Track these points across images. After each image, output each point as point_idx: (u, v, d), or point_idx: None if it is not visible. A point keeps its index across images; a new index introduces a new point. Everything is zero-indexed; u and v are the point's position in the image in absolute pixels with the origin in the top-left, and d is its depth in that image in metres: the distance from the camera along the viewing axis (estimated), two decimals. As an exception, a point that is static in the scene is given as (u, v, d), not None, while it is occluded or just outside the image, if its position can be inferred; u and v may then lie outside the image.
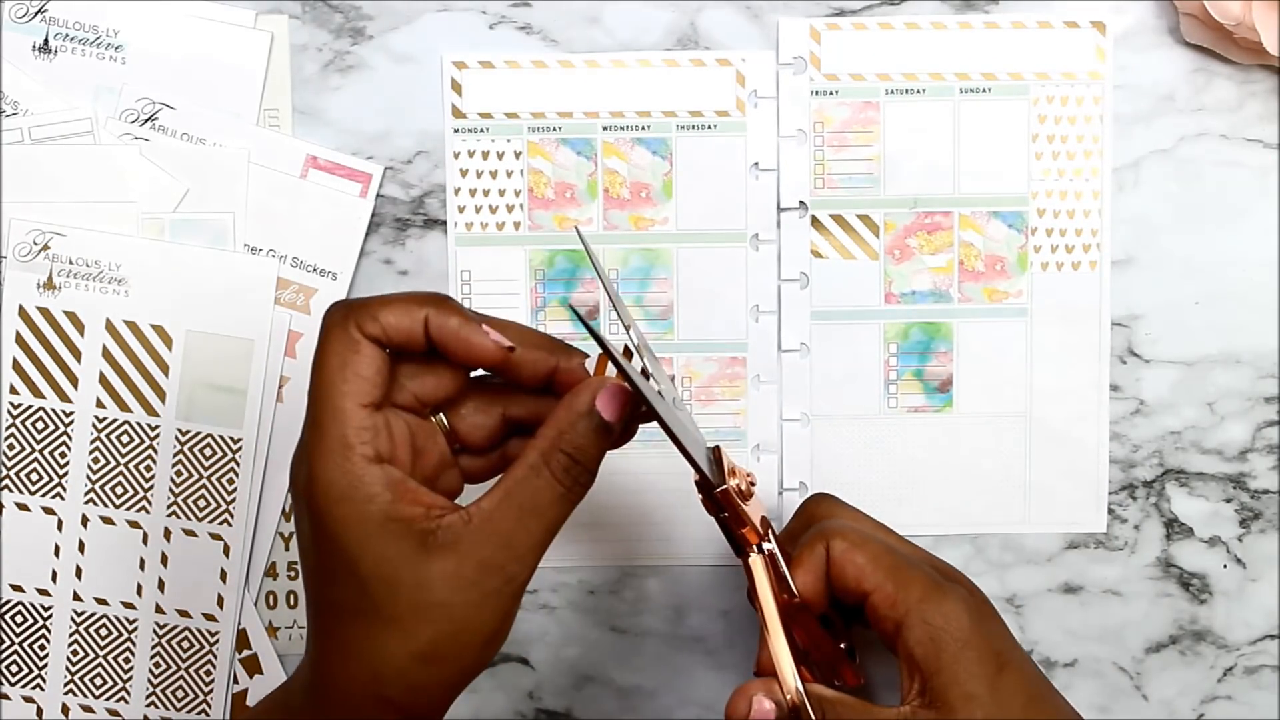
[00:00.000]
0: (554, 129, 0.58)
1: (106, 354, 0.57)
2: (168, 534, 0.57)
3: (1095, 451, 0.59)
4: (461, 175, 0.58)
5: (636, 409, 0.44)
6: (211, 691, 0.58)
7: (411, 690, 0.42)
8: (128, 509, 0.57)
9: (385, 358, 0.43)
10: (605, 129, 0.58)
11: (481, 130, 0.58)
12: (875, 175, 0.58)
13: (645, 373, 0.46)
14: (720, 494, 0.45)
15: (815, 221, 0.58)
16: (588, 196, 0.58)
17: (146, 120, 0.57)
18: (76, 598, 0.57)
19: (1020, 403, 0.59)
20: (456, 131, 0.58)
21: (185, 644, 0.58)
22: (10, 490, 0.57)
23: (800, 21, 0.58)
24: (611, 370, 0.45)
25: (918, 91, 0.58)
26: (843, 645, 0.50)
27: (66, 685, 0.57)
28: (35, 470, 0.57)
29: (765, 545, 0.47)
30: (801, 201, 0.58)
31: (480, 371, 0.46)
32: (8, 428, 0.57)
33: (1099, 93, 0.58)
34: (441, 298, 0.44)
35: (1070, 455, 0.59)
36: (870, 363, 0.59)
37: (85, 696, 0.58)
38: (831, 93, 0.58)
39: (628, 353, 0.46)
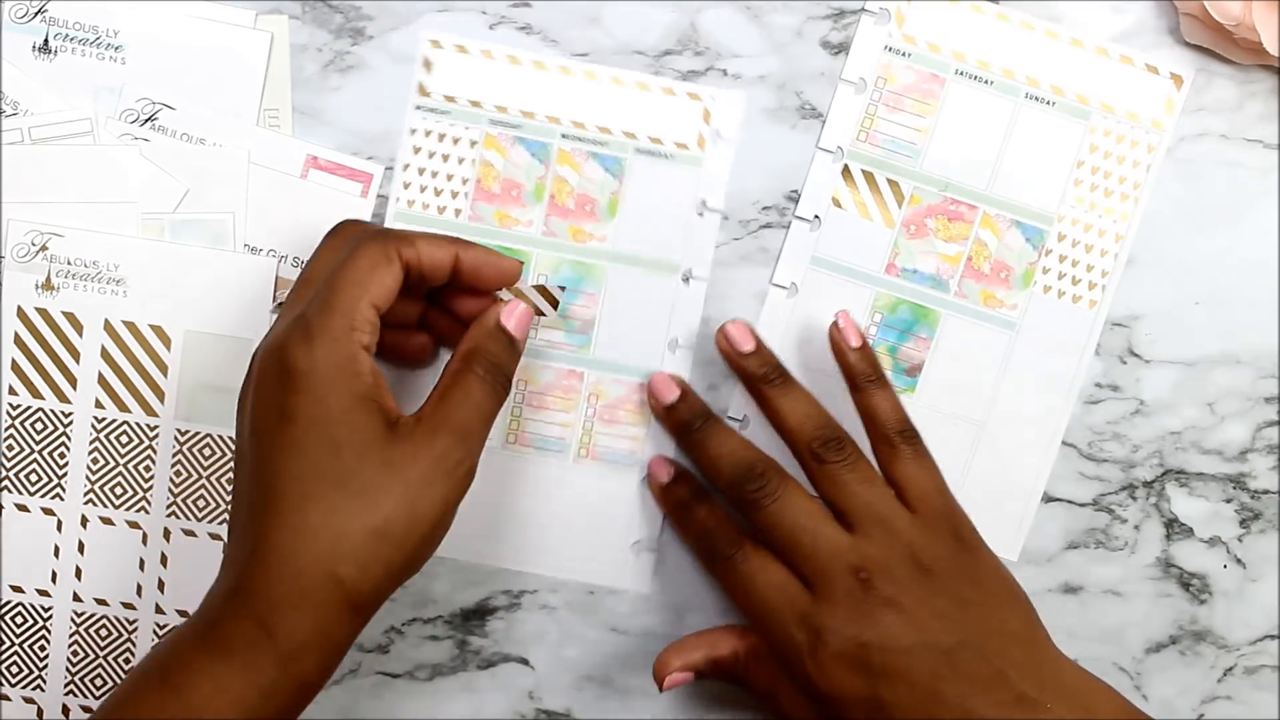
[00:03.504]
0: (514, 125, 0.58)
1: (105, 354, 0.57)
2: (167, 534, 0.57)
3: (1032, 483, 0.58)
4: (414, 152, 0.58)
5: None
6: (211, 692, 0.58)
7: (362, 568, 0.46)
8: (127, 509, 0.57)
9: (400, 282, 0.49)
10: (564, 136, 0.58)
11: (443, 112, 0.58)
12: (918, 147, 0.58)
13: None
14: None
15: (846, 171, 0.58)
16: (533, 199, 0.58)
17: (146, 120, 0.57)
18: (76, 598, 0.57)
19: (979, 412, 0.58)
20: (418, 108, 0.58)
21: (185, 644, 0.58)
22: (10, 491, 0.57)
23: None
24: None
25: (986, 81, 0.58)
26: None
27: (67, 686, 0.57)
28: (34, 471, 0.57)
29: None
30: (839, 146, 0.58)
31: None
32: (7, 429, 0.57)
33: (1156, 142, 0.58)
34: (455, 237, 0.51)
35: (1008, 479, 0.58)
36: None
37: (86, 697, 0.57)
38: (904, 54, 0.58)
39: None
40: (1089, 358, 0.58)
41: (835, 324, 0.55)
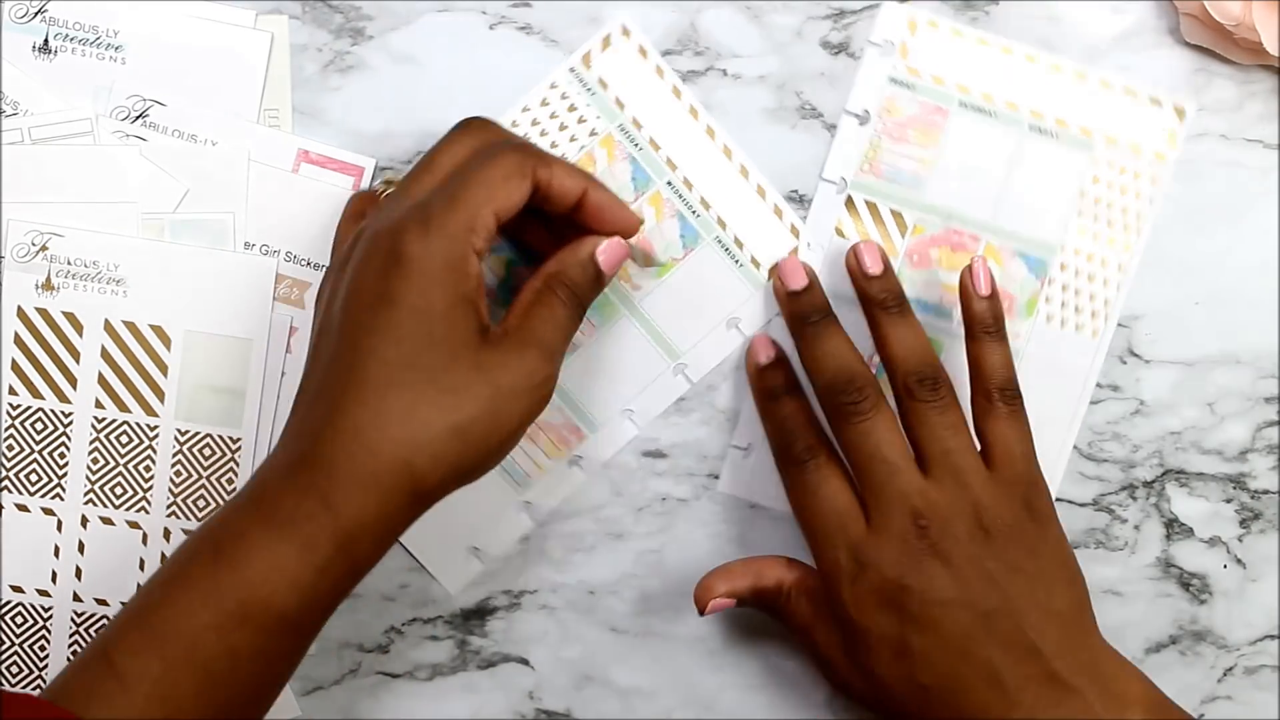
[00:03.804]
0: (636, 144, 0.58)
1: (105, 354, 0.57)
2: (167, 534, 0.57)
3: None
4: (540, 104, 0.58)
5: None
6: (211, 692, 0.58)
7: (435, 460, 0.46)
8: (127, 509, 0.57)
9: (526, 199, 0.48)
10: (669, 184, 0.58)
11: (589, 90, 0.58)
12: (921, 178, 0.58)
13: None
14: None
15: (850, 202, 0.58)
16: None
17: (138, 117, 0.57)
18: (76, 598, 0.57)
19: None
20: (571, 70, 0.57)
21: (185, 644, 0.58)
22: (10, 491, 0.57)
23: (904, 9, 0.57)
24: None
25: (989, 113, 0.58)
26: None
27: (66, 686, 0.57)
28: (34, 471, 0.57)
29: None
30: (843, 178, 0.58)
31: None
32: (7, 429, 0.57)
33: (1158, 174, 0.58)
34: (589, 173, 0.51)
35: None
36: None
37: (85, 697, 0.57)
38: (908, 85, 0.58)
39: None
40: (1092, 386, 0.58)
41: (969, 268, 0.54)
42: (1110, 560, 0.59)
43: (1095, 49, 0.58)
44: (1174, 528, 0.59)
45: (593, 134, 0.58)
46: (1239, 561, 0.59)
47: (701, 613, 0.54)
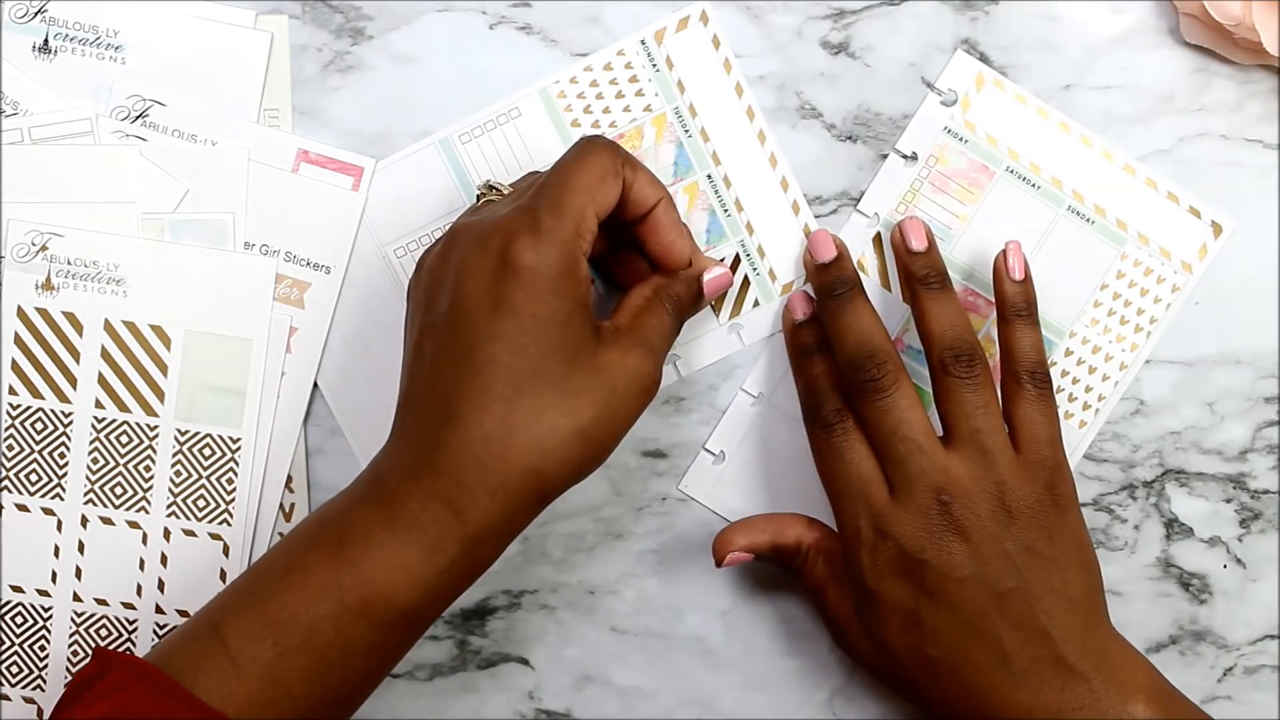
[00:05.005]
0: (687, 131, 0.58)
1: (105, 354, 0.57)
2: (167, 534, 0.57)
3: None
4: (604, 68, 0.58)
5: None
6: (211, 692, 0.58)
7: (559, 465, 0.47)
8: (127, 509, 0.57)
9: (618, 200, 0.49)
10: (709, 177, 0.58)
11: (655, 67, 0.58)
12: (952, 231, 0.58)
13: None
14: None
15: (877, 238, 0.58)
16: None
17: (138, 117, 0.57)
18: (76, 598, 0.57)
19: None
20: (643, 43, 0.57)
21: (185, 644, 0.58)
22: (10, 491, 0.57)
23: (975, 65, 0.57)
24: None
25: (1033, 185, 0.58)
26: None
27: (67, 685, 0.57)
28: (35, 471, 0.57)
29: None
30: (877, 213, 0.58)
31: None
32: (7, 429, 0.57)
33: (1182, 284, 0.58)
34: (665, 188, 0.52)
35: None
36: None
37: (85, 697, 0.57)
38: (961, 139, 0.58)
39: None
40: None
41: (1003, 251, 0.55)
42: (1110, 560, 0.59)
43: (1095, 49, 0.58)
44: (1174, 528, 0.59)
45: (647, 109, 0.58)
46: (1239, 561, 0.59)
47: (719, 564, 0.54)
